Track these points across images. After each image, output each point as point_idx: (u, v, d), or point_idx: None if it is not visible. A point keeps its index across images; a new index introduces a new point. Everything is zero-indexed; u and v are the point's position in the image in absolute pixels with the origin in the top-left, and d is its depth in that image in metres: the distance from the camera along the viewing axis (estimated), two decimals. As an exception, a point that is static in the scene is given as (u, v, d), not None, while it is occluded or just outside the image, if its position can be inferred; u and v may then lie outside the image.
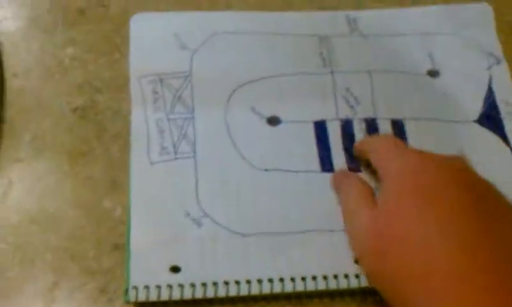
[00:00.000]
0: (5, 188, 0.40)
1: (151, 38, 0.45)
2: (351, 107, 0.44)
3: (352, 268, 0.38)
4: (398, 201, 0.35)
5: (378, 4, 0.49)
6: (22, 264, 0.38)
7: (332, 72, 0.45)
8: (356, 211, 0.37)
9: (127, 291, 0.37)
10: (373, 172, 0.41)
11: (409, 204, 0.34)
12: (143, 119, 0.42)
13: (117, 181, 0.40)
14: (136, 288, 0.37)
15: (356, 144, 0.43)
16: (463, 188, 0.34)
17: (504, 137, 0.44)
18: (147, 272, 0.37)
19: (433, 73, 0.47)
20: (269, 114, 0.43)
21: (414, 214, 0.33)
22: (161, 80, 0.43)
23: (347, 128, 0.43)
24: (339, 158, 0.42)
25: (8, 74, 0.44)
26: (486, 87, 0.46)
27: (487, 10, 0.50)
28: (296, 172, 0.42)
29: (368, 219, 0.36)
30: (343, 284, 0.38)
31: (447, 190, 0.34)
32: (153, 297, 0.37)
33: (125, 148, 0.41)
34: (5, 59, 0.44)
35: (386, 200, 0.36)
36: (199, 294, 0.37)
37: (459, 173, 0.35)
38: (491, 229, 0.32)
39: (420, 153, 0.38)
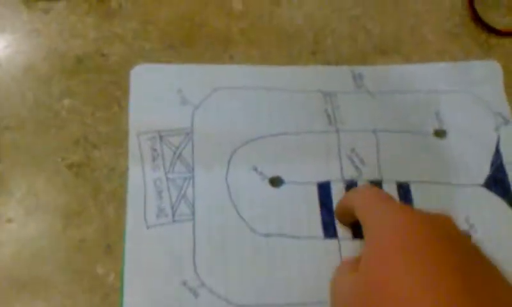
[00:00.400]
0: (-7, 251, 0.38)
1: (152, 92, 0.44)
2: (356, 167, 0.43)
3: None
4: (381, 257, 0.33)
5: (384, 59, 0.48)
6: (10, 333, 0.36)
7: (337, 131, 0.44)
8: (337, 279, 0.36)
9: None
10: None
11: (392, 261, 0.32)
12: (141, 178, 0.40)
13: (111, 246, 0.39)
14: None
15: (338, 202, 0.41)
16: (448, 246, 0.33)
17: (511, 202, 0.43)
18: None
19: (440, 134, 0.45)
20: (271, 174, 0.42)
21: (398, 271, 0.32)
22: (161, 137, 0.42)
23: (351, 190, 0.42)
24: (343, 224, 0.41)
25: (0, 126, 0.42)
26: (493, 149, 0.45)
27: (496, 68, 0.48)
28: (298, 238, 0.40)
29: (349, 284, 0.34)
30: None
31: (431, 247, 0.32)
32: None
33: (121, 208, 0.40)
34: (-2, 109, 0.43)
35: (369, 257, 0.34)
36: None
37: (444, 230, 0.34)
38: (476, 288, 0.31)
39: (405, 208, 0.36)
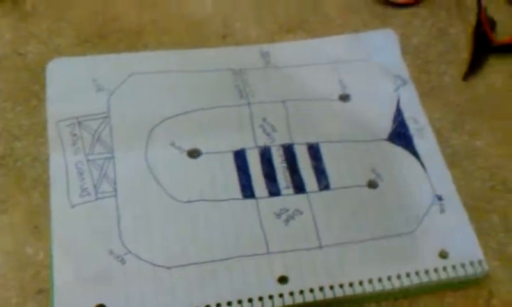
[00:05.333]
0: None
1: (68, 83, 0.46)
2: (268, 134, 0.46)
3: (277, 289, 0.39)
4: None
5: (290, 37, 0.52)
6: None
7: (249, 103, 0.47)
8: None
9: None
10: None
11: None
12: (62, 162, 0.42)
13: (39, 227, 0.40)
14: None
15: None
16: None
17: (414, 152, 0.47)
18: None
19: (344, 98, 0.49)
20: (189, 147, 0.44)
21: None
22: (79, 123, 0.44)
23: (265, 155, 0.45)
24: (260, 184, 0.44)
25: None
26: (394, 108, 0.49)
27: (392, 36, 0.53)
28: (219, 201, 0.43)
29: None
30: (268, 305, 0.39)
31: None
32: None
33: (46, 192, 0.41)
34: None
35: None
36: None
37: None
38: None
39: None
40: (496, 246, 0.45)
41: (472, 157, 0.49)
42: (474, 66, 0.53)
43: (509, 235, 0.45)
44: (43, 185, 0.42)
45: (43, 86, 0.45)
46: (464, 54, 0.54)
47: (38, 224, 0.41)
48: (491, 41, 0.54)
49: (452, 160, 0.48)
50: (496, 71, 0.54)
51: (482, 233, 0.45)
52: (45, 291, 0.38)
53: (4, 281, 0.38)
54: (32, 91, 0.46)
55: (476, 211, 0.46)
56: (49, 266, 0.39)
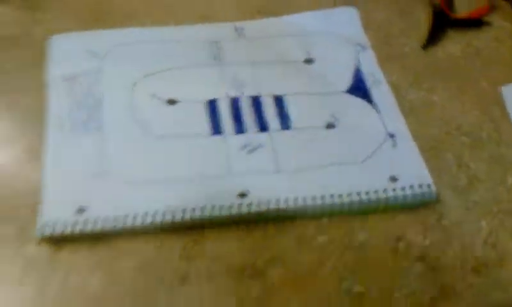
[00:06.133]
0: None
1: (66, 52, 0.54)
2: (238, 88, 0.52)
3: (237, 201, 0.44)
4: None
5: (260, 15, 0.59)
6: None
7: (222, 64, 0.54)
8: None
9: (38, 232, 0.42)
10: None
11: None
12: (58, 105, 0.49)
13: (38, 154, 0.47)
14: (45, 225, 0.42)
15: None
16: None
17: (370, 100, 0.52)
18: (56, 213, 0.43)
19: (309, 61, 0.55)
20: (167, 97, 0.51)
21: None
22: (74, 78, 0.51)
23: (235, 104, 0.51)
24: (228, 125, 0.49)
25: None
26: (354, 67, 0.55)
27: (354, 11, 0.60)
28: (190, 136, 0.48)
29: None
30: (226, 212, 0.44)
31: None
32: (59, 231, 0.42)
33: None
34: None
35: None
36: (98, 227, 0.42)
37: None
38: None
39: None
40: (449, 179, 0.49)
41: (429, 108, 0.53)
42: (433, 37, 0.59)
43: (461, 170, 0.49)
44: (42, 128, 0.49)
45: (45, 58, 0.53)
46: (424, 31, 0.60)
47: (37, 152, 0.47)
48: (448, 15, 0.60)
49: (411, 111, 0.53)
50: (455, 42, 0.60)
51: (436, 168, 0.49)
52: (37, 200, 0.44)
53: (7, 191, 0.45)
54: (36, 63, 0.54)
55: (432, 151, 0.50)
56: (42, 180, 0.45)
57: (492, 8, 0.63)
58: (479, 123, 0.52)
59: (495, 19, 0.62)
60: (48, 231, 0.42)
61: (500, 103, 0.54)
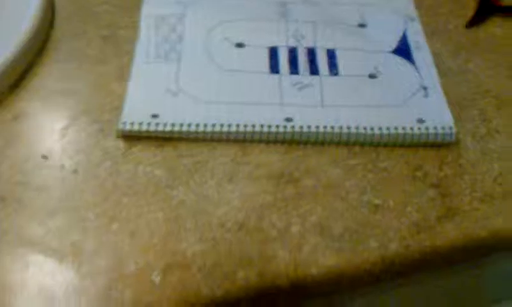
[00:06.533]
0: None
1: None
2: (298, 40, 0.61)
3: (283, 123, 0.53)
4: None
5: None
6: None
7: (286, 20, 0.63)
8: None
9: (118, 128, 0.53)
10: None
11: None
12: (146, 39, 0.60)
13: (124, 77, 0.57)
14: (125, 123, 0.53)
15: None
16: None
17: (411, 60, 0.60)
18: (134, 116, 0.53)
19: (361, 25, 0.64)
20: (236, 41, 0.61)
21: None
22: (162, 18, 0.62)
23: (293, 52, 0.60)
24: (284, 67, 0.58)
25: None
26: (401, 33, 0.63)
27: None
28: (252, 72, 0.58)
29: None
30: (273, 131, 0.53)
31: None
32: (136, 129, 0.52)
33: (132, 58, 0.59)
34: None
35: None
36: (168, 129, 0.52)
37: None
38: None
39: None
40: (471, 127, 0.55)
41: (463, 73, 0.60)
42: (477, 19, 0.65)
43: (484, 123, 0.56)
44: (132, 55, 0.60)
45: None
46: (470, 13, 0.67)
47: (123, 75, 0.58)
48: (494, 1, 0.66)
49: (446, 73, 0.60)
50: (498, 25, 0.66)
51: (461, 119, 0.56)
52: (119, 108, 0.55)
53: (95, 100, 0.56)
54: (134, 2, 0.65)
55: (460, 105, 0.57)
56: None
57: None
58: (507, 88, 0.59)
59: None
60: (126, 128, 0.52)
61: (532, 77, 0.60)
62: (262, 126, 0.53)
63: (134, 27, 0.62)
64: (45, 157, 0.51)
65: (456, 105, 0.57)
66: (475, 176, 0.51)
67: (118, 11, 0.64)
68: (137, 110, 0.54)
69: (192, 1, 0.65)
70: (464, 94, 0.58)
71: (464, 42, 0.64)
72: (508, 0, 0.67)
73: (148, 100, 0.55)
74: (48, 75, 0.58)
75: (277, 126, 0.53)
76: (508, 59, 0.62)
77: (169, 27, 0.62)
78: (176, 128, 0.53)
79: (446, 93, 0.57)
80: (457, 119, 0.55)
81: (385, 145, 0.53)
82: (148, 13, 0.63)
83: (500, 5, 0.67)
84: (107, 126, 0.54)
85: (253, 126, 0.53)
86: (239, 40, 0.61)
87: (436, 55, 0.61)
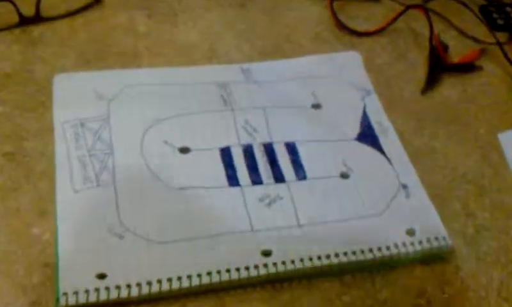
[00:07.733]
0: None
1: (71, 93, 0.52)
2: (250, 134, 0.52)
3: (261, 260, 0.44)
4: None
5: (267, 59, 0.59)
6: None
7: (232, 109, 0.53)
8: None
9: (57, 300, 0.40)
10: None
11: None
12: (66, 155, 0.47)
13: (45, 211, 0.45)
14: (66, 294, 0.40)
15: None
16: None
17: (380, 149, 0.53)
18: (75, 280, 0.41)
19: (316, 106, 0.56)
20: (180, 145, 0.50)
21: None
22: (82, 124, 0.50)
23: (248, 151, 0.51)
24: (244, 175, 0.49)
25: None
26: (361, 114, 0.56)
27: (356, 56, 0.61)
28: (207, 188, 0.48)
29: None
30: (253, 273, 0.43)
31: None
32: (82, 300, 0.40)
33: (52, 182, 0.46)
34: None
35: None
36: (124, 295, 0.41)
37: None
38: None
39: None
40: (459, 228, 0.50)
41: (432, 155, 0.55)
42: (430, 82, 0.60)
43: (469, 219, 0.51)
44: (49, 177, 0.47)
45: (48, 97, 0.51)
46: (421, 73, 0.62)
47: (44, 210, 0.45)
48: (444, 61, 0.62)
49: (415, 158, 0.54)
50: (451, 87, 0.62)
51: (445, 217, 0.50)
52: (50, 265, 0.42)
53: (14, 256, 0.42)
54: (39, 100, 0.51)
55: (439, 198, 0.51)
56: (54, 242, 0.43)
57: (482, 52, 0.65)
58: (480, 170, 0.55)
59: (486, 64, 0.65)
60: (70, 304, 0.40)
61: (498, 149, 0.56)
62: (238, 270, 0.43)
63: (44, 136, 0.49)
64: None
65: (436, 197, 0.51)
66: (478, 292, 0.46)
67: (19, 114, 0.50)
68: (76, 270, 0.41)
69: (116, 94, 0.52)
70: (440, 182, 0.53)
71: (424, 113, 0.58)
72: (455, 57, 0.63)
73: (88, 251, 0.43)
74: None
75: (256, 267, 0.43)
76: (470, 131, 0.57)
77: (93, 134, 0.49)
78: (134, 291, 0.41)
79: (423, 184, 0.51)
80: (441, 216, 0.49)
81: (378, 269, 0.46)
82: (62, 116, 0.50)
83: (449, 64, 0.63)
84: (41, 297, 0.41)
85: (228, 271, 0.43)
86: (183, 144, 0.50)
87: (400, 135, 0.55)
